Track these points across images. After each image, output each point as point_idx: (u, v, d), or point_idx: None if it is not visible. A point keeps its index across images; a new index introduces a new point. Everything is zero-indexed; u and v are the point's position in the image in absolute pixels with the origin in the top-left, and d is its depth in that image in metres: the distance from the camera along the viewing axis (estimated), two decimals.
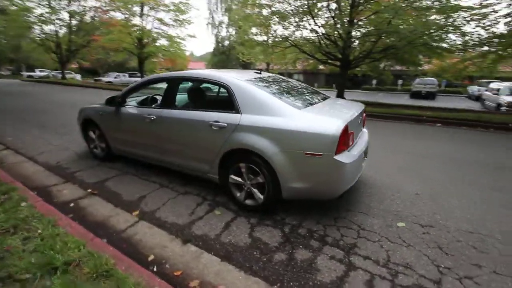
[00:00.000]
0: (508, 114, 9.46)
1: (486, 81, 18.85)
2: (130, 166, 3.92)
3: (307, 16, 11.07)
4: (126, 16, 19.78)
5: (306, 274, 1.94)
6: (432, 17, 10.40)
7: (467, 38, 10.14)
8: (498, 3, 8.77)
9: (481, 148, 5.48)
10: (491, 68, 10.76)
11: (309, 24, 11.47)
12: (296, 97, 2.87)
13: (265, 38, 13.68)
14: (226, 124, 2.64)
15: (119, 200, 3.00)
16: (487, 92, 13.34)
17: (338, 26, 10.55)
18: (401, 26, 10.44)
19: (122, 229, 2.46)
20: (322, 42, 11.76)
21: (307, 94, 3.13)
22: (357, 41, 11.32)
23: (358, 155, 2.53)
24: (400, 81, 26.69)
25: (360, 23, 11.02)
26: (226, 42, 35.95)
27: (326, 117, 2.43)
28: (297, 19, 11.60)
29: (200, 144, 2.88)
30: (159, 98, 4.12)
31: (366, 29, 11.04)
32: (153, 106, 3.66)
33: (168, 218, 2.65)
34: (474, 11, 9.42)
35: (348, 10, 10.65)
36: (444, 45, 10.76)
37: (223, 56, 35.44)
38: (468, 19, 9.63)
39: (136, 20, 19.81)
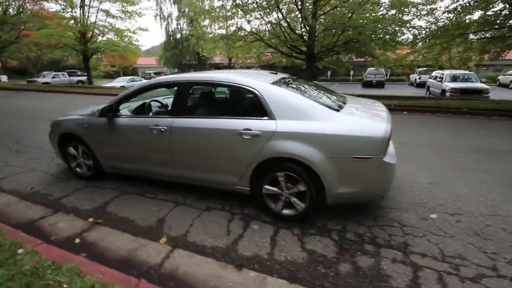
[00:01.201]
0: (455, 99, 10.78)
1: (425, 69, 21.25)
2: (126, 184, 3.43)
3: (273, 9, 11.01)
4: (63, 7, 17.33)
5: (381, 283, 1.89)
6: (386, 12, 11.18)
7: (416, 32, 11.20)
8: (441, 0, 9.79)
9: (453, 133, 6.12)
10: (436, 58, 12.12)
11: (276, 19, 11.43)
12: (325, 98, 2.77)
13: (226, 32, 13.28)
14: (260, 132, 2.43)
15: (135, 227, 2.59)
16: (430, 80, 15.02)
17: (303, 19, 10.67)
18: (360, 21, 11.02)
19: (158, 263, 2.12)
20: (287, 35, 11.85)
21: (329, 94, 3.05)
22: (321, 35, 11.66)
23: (394, 154, 2.56)
24: (351, 72, 28.59)
25: (322, 17, 11.34)
26: (178, 36, 34.10)
27: (371, 120, 2.39)
28: (261, 13, 11.49)
29: (228, 155, 2.62)
30: (155, 104, 3.69)
31: (329, 23, 11.41)
32: (153, 114, 3.23)
33: (205, 241, 2.36)
34: (422, 7, 10.37)
35: (312, 4, 10.87)
36: (398, 38, 11.68)
37: (176, 51, 33.58)
38: (418, 14, 10.59)
39: (77, 12, 17.50)
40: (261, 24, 11.73)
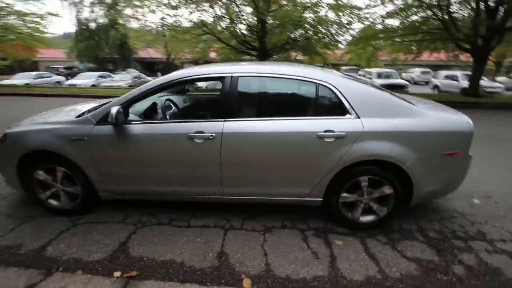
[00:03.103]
0: None
1: (349, 68, 23.97)
2: (135, 213, 2.57)
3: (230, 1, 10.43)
4: None
5: (499, 277, 1.85)
6: (325, 14, 11.92)
7: (353, 33, 12.43)
8: (377, 5, 11.08)
9: None
10: (369, 58, 13.70)
11: (230, 11, 10.86)
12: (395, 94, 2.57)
13: (170, 22, 11.96)
14: (345, 133, 2.09)
15: (192, 271, 1.90)
16: (360, 77, 17.03)
17: (257, 12, 10.45)
18: (309, 20, 11.52)
19: None
20: (238, 30, 11.48)
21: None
22: (276, 31, 11.71)
23: None
24: None
25: (273, 13, 11.37)
26: (93, 25, 29.31)
27: (454, 114, 2.32)
28: (207, 4, 10.73)
29: (302, 163, 2.17)
30: (169, 104, 2.88)
31: (284, 19, 11.52)
32: (180, 117, 2.46)
33: (300, 272, 1.89)
34: (358, 12, 11.49)
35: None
36: (339, 38, 12.71)
37: (91, 42, 28.80)
38: (356, 18, 11.72)
39: None
40: (215, 16, 10.94)
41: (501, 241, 2.24)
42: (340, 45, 13.14)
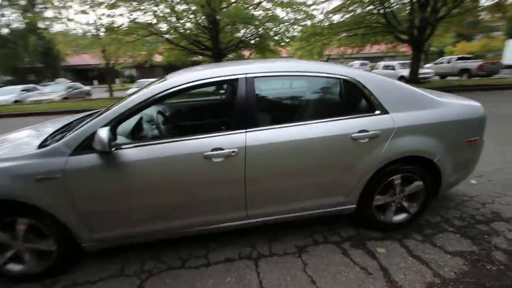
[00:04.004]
0: None
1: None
2: (129, 260, 2.04)
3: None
4: None
5: None
6: (273, 11, 11.98)
7: (302, 30, 12.78)
8: (323, 1, 11.53)
9: None
10: (319, 53, 14.27)
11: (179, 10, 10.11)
12: None
13: (106, 23, 10.65)
14: (379, 131, 1.91)
15: None
16: None
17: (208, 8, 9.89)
18: (260, 17, 11.42)
19: None
20: (188, 30, 10.81)
21: None
22: (228, 28, 11.33)
23: None
24: None
25: (223, 11, 10.99)
26: (6, 30, 24.86)
27: (467, 101, 2.31)
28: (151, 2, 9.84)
29: (336, 169, 1.94)
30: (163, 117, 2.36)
31: (231, 18, 11.19)
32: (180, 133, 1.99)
33: None
34: (308, 8, 11.82)
35: None
36: (289, 35, 12.91)
37: (6, 51, 24.40)
38: (304, 15, 12.02)
39: None
40: (157, 14, 10.04)
41: None
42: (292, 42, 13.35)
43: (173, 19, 10.60)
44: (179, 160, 1.73)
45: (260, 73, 1.88)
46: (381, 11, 10.25)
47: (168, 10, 10.17)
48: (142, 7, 9.72)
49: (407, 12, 10.17)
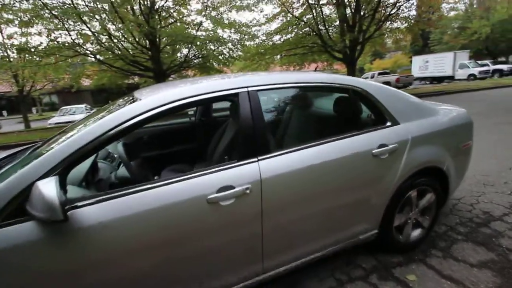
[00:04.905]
0: None
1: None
2: None
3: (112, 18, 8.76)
4: None
5: None
6: (219, 32, 12.02)
7: (245, 50, 13.01)
8: (264, 24, 11.97)
9: None
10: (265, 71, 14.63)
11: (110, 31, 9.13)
12: None
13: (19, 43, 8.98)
14: (397, 144, 1.72)
15: None
16: None
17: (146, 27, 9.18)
18: (202, 37, 11.21)
19: None
20: (124, 49, 9.85)
21: None
22: (169, 49, 10.73)
23: None
24: None
25: (163, 30, 10.43)
26: None
27: (454, 107, 2.32)
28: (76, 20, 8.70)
29: (361, 193, 1.65)
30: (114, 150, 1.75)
31: (170, 37, 10.66)
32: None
33: None
34: (249, 29, 12.11)
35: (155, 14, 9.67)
36: (234, 55, 12.98)
37: None
38: (247, 36, 12.26)
39: None
40: (95, 34, 8.87)
41: (504, 215, 2.42)
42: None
43: (105, 38, 9.54)
44: (173, 211, 1.20)
45: (263, 86, 1.51)
46: (317, 33, 11.12)
47: (98, 29, 9.10)
48: (66, 25, 8.46)
49: (337, 34, 11.30)
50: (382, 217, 1.81)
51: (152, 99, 1.30)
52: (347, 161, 1.59)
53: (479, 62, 21.20)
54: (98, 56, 9.98)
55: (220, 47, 12.16)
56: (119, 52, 9.80)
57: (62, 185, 1.07)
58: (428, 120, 1.94)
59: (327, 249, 1.68)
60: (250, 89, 1.46)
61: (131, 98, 1.47)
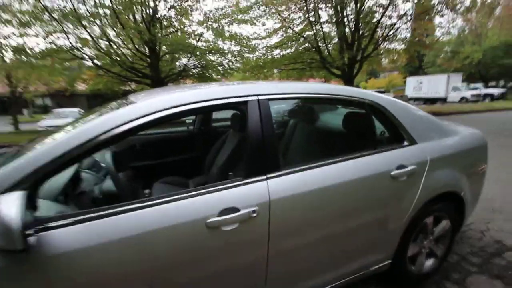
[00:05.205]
0: None
1: None
2: None
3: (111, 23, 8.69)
4: None
5: None
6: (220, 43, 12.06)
7: (244, 62, 13.07)
8: (265, 37, 12.08)
9: None
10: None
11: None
12: None
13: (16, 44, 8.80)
14: (415, 166, 1.58)
15: None
16: None
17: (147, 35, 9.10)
18: (202, 48, 11.23)
19: None
20: (122, 55, 9.75)
21: None
22: (165, 57, 10.67)
23: None
24: None
25: (164, 38, 10.40)
26: None
27: (469, 127, 2.21)
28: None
29: (377, 217, 1.49)
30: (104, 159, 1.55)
31: (170, 46, 10.63)
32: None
33: None
34: (249, 42, 12.20)
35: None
36: (233, 66, 13.01)
37: None
38: (247, 49, 12.34)
39: None
40: (94, 39, 8.76)
41: None
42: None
43: (104, 43, 9.44)
44: (163, 238, 1.02)
45: (275, 94, 1.37)
46: (316, 49, 11.24)
47: (98, 33, 9.01)
48: (65, 29, 8.33)
49: (336, 51, 11.46)
50: (397, 246, 1.64)
51: (151, 103, 1.14)
52: (366, 182, 1.44)
53: (471, 85, 21.76)
54: (95, 61, 9.83)
55: (219, 58, 12.21)
56: (118, 58, 9.70)
57: (31, 202, 0.88)
58: (446, 140, 1.81)
59: (339, 281, 1.49)
60: (260, 97, 1.31)
61: (125, 101, 1.30)
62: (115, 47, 9.52)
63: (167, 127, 2.65)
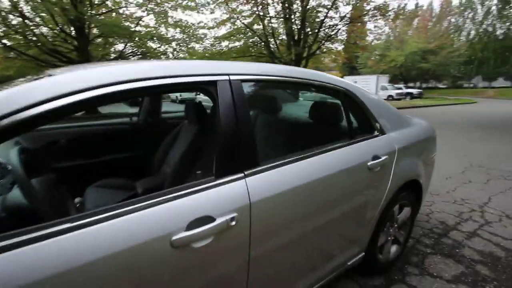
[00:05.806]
0: None
1: None
2: None
3: None
4: None
5: None
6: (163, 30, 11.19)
7: (190, 52, 12.42)
8: (213, 27, 11.58)
9: None
10: None
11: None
12: None
13: None
14: (387, 156, 1.54)
15: None
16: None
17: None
18: (141, 33, 10.25)
19: None
20: (41, 35, 8.22)
21: None
22: (97, 41, 9.38)
23: None
24: None
25: (97, 18, 9.09)
26: None
27: (419, 119, 2.31)
28: None
29: (356, 211, 1.40)
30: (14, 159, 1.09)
31: (104, 29, 9.37)
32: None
33: None
34: (194, 31, 11.59)
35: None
36: (179, 56, 12.22)
37: None
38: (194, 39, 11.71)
39: None
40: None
41: (457, 224, 2.53)
42: None
43: (17, 20, 7.77)
44: (106, 271, 0.71)
45: (250, 75, 1.14)
46: (265, 43, 11.30)
47: (7, 6, 7.34)
48: None
49: (284, 46, 11.73)
50: (370, 237, 1.60)
51: (78, 75, 0.79)
52: (349, 174, 1.33)
53: (396, 85, 24.95)
54: (3, 40, 8.06)
55: (163, 46, 11.31)
56: (35, 38, 8.11)
57: None
58: (407, 130, 1.84)
59: (319, 283, 1.36)
60: (232, 77, 1.06)
61: (41, 75, 0.91)
62: (30, 24, 7.93)
63: (104, 118, 2.17)
